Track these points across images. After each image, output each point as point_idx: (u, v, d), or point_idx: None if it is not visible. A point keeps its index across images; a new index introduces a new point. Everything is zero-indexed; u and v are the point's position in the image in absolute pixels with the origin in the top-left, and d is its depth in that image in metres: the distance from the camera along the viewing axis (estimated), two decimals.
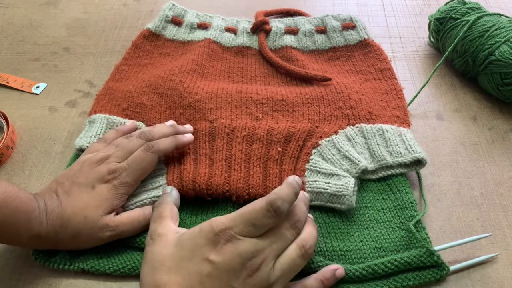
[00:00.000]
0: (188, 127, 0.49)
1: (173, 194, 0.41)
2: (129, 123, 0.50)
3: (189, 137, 0.47)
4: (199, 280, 0.32)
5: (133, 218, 0.41)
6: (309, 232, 0.37)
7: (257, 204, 0.34)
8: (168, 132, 0.46)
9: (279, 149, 0.47)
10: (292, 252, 0.35)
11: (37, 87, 0.59)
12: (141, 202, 0.43)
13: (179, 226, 0.42)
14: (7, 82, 0.59)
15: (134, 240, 0.41)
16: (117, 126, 0.50)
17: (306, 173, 0.45)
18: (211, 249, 0.33)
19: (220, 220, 0.33)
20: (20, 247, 0.41)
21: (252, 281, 0.32)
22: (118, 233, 0.40)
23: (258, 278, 0.32)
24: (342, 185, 0.43)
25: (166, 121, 0.50)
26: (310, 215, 0.39)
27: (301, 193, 0.38)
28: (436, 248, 0.40)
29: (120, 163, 0.42)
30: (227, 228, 0.33)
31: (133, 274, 0.40)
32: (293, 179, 0.36)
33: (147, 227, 0.39)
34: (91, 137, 0.48)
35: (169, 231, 0.36)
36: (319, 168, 0.45)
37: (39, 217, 0.38)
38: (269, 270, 0.33)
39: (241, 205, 0.44)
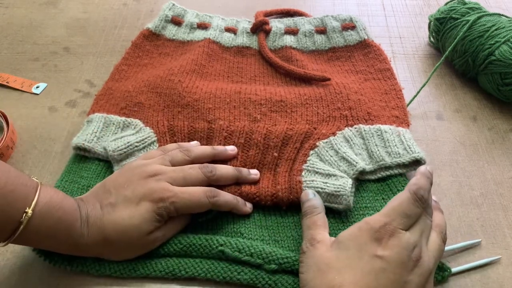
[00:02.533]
0: (254, 172, 0.46)
1: (317, 201, 0.42)
2: (193, 143, 0.48)
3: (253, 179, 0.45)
4: (374, 276, 0.33)
5: (178, 222, 0.41)
6: (440, 217, 0.39)
7: (403, 196, 0.35)
8: (231, 175, 0.44)
9: (275, 154, 0.47)
10: (435, 238, 0.37)
11: (37, 87, 0.59)
12: None
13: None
14: (7, 82, 0.59)
15: None
16: (114, 124, 0.50)
17: (303, 173, 0.45)
18: (377, 245, 0.34)
19: (376, 218, 0.35)
20: (61, 252, 0.40)
21: (419, 271, 0.33)
22: (166, 238, 0.41)
23: (422, 267, 0.34)
24: (340, 185, 0.43)
25: (164, 120, 0.50)
26: (434, 198, 0.41)
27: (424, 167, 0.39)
28: None
29: (172, 185, 0.41)
30: (386, 223, 0.34)
31: (133, 276, 0.40)
32: (425, 168, 0.38)
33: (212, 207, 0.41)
34: (87, 135, 0.48)
35: (325, 237, 0.37)
36: (317, 168, 0.45)
37: (80, 229, 0.37)
38: (428, 259, 0.34)
39: None
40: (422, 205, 0.36)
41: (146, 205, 0.39)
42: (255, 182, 0.45)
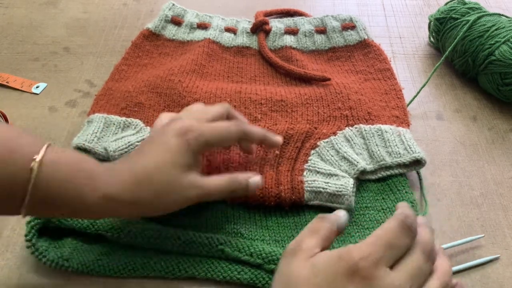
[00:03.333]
0: (278, 139, 0.44)
1: (341, 219, 0.35)
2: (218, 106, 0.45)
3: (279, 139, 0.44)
4: None
5: (218, 181, 0.39)
6: (445, 264, 0.34)
7: (389, 225, 0.31)
8: (260, 132, 0.43)
9: (277, 152, 0.47)
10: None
11: (37, 87, 0.59)
12: None
13: (179, 228, 0.43)
14: (7, 82, 0.59)
15: (134, 241, 0.41)
16: (114, 125, 0.50)
17: (304, 173, 0.45)
18: (351, 280, 0.29)
19: (359, 247, 0.30)
20: (93, 217, 0.37)
21: None
22: (206, 193, 0.38)
23: None
24: (341, 185, 0.43)
25: None
26: (441, 246, 0.37)
27: (422, 218, 0.35)
28: None
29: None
30: (369, 254, 0.30)
31: (133, 276, 0.40)
32: (404, 203, 0.34)
33: (230, 195, 0.39)
34: (88, 135, 0.48)
35: (311, 246, 0.32)
36: (318, 168, 0.45)
37: (104, 174, 0.35)
38: None
39: (239, 206, 0.45)
40: (412, 234, 0.31)
41: (175, 139, 0.37)
42: (278, 144, 0.44)
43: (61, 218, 0.40)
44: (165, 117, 0.43)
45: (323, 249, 0.32)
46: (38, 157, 0.31)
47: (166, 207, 0.37)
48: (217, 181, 0.39)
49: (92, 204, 0.34)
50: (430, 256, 0.32)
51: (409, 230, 0.31)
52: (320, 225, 0.34)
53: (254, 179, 0.40)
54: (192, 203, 0.38)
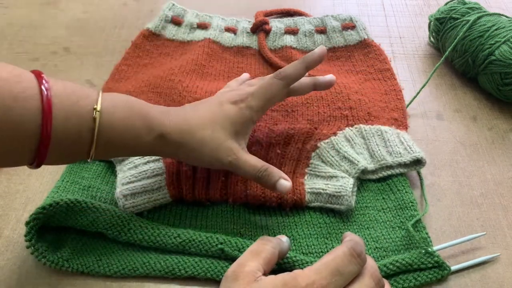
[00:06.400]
0: (330, 76, 0.45)
1: (284, 244, 0.36)
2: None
3: (330, 78, 0.45)
4: None
5: (255, 162, 0.40)
6: None
7: (339, 251, 0.31)
8: (300, 64, 0.43)
9: (278, 151, 0.47)
10: None
11: None
12: (141, 205, 0.43)
13: (180, 227, 0.43)
14: None
15: (134, 238, 0.41)
16: None
17: (306, 177, 0.45)
18: None
19: (306, 273, 0.30)
20: (146, 154, 0.40)
21: None
22: (238, 165, 0.39)
23: None
24: (340, 186, 0.43)
25: None
26: (387, 281, 0.36)
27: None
28: (433, 248, 0.40)
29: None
30: (314, 281, 0.29)
31: (133, 276, 0.40)
32: (349, 233, 0.34)
33: (259, 181, 0.40)
34: None
35: (255, 273, 0.31)
36: (318, 172, 0.45)
37: (160, 116, 0.38)
38: None
39: (239, 206, 0.45)
40: (359, 262, 0.31)
41: (229, 106, 0.41)
42: (322, 55, 0.44)
43: (118, 157, 0.43)
44: (229, 84, 0.48)
45: (264, 273, 0.32)
46: (98, 107, 0.34)
47: (202, 160, 0.40)
48: (253, 161, 0.40)
49: (148, 144, 0.37)
50: (379, 283, 0.32)
51: (359, 258, 0.31)
52: (263, 248, 0.34)
53: (285, 182, 0.39)
54: (223, 167, 0.40)
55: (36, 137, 0.31)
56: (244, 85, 0.45)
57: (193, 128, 0.39)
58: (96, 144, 0.34)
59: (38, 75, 0.32)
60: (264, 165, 0.40)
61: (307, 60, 0.43)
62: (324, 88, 0.46)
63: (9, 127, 0.30)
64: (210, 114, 0.40)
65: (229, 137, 0.40)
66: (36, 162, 0.33)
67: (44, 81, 0.32)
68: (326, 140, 0.48)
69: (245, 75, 0.52)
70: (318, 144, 0.48)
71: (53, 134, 0.32)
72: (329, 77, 0.45)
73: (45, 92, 0.31)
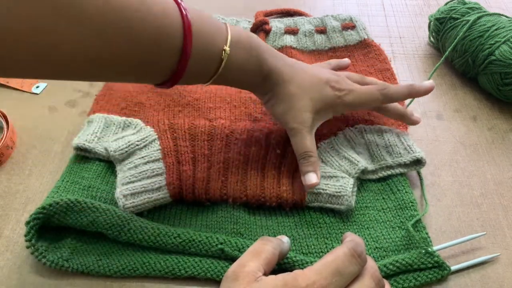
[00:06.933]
0: (429, 83, 0.47)
1: (285, 245, 0.36)
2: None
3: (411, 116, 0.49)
4: None
5: (308, 144, 0.43)
6: None
7: (339, 251, 0.31)
8: (403, 91, 0.46)
9: (278, 151, 0.47)
10: None
11: (37, 87, 0.59)
12: (141, 205, 0.43)
13: (180, 227, 0.43)
14: (7, 82, 0.59)
15: (134, 238, 0.41)
16: (114, 124, 0.50)
17: None
18: None
19: (306, 274, 0.30)
20: (247, 84, 0.43)
21: None
22: (296, 135, 0.43)
23: None
24: (340, 186, 0.43)
25: (165, 119, 0.50)
26: (436, 249, 0.38)
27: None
28: (433, 248, 0.40)
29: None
30: (314, 282, 0.29)
31: (133, 276, 0.40)
32: (350, 233, 0.35)
33: (299, 162, 0.43)
34: (88, 135, 0.48)
35: (255, 273, 0.31)
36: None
37: (269, 55, 0.42)
38: None
39: (239, 206, 0.45)
40: (360, 263, 0.31)
41: (330, 90, 0.44)
42: (429, 91, 0.47)
43: (231, 86, 0.44)
44: (330, 62, 0.52)
45: (265, 273, 0.32)
46: (227, 49, 0.38)
47: (278, 111, 0.44)
48: (308, 143, 0.43)
49: (255, 80, 0.42)
50: (379, 284, 0.32)
51: (359, 258, 0.31)
52: (263, 248, 0.34)
53: (311, 176, 0.43)
54: (285, 127, 0.44)
55: (176, 57, 0.35)
56: (344, 76, 0.47)
57: (292, 83, 0.42)
58: (216, 76, 0.39)
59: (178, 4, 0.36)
60: (310, 152, 0.43)
61: (413, 89, 0.46)
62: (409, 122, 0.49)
63: (158, 42, 0.34)
64: (310, 83, 0.43)
65: (312, 110, 0.43)
66: (171, 80, 0.37)
67: (181, 5, 0.35)
68: (326, 140, 0.48)
69: (346, 60, 0.54)
70: (318, 144, 0.48)
71: (190, 62, 0.36)
72: (429, 85, 0.47)
73: (187, 21, 0.35)
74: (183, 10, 0.35)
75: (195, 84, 0.40)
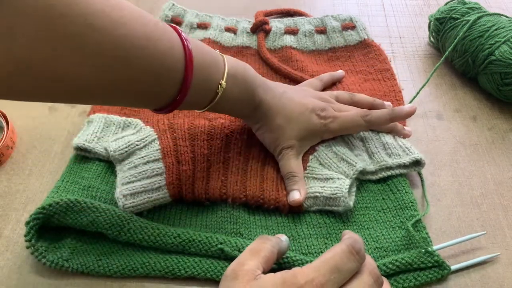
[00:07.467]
0: (408, 107, 0.49)
1: (283, 244, 0.36)
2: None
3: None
4: None
5: (293, 166, 0.45)
6: None
7: (337, 248, 0.32)
8: (385, 115, 0.48)
9: None
10: None
11: None
12: (141, 205, 0.43)
13: (180, 227, 0.43)
14: None
15: (134, 238, 0.41)
16: (114, 124, 0.50)
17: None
18: None
19: (305, 271, 0.30)
20: (238, 113, 0.46)
21: None
22: (283, 159, 0.46)
23: None
24: (336, 187, 0.43)
25: (164, 119, 0.50)
26: (386, 279, 0.37)
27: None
28: (433, 247, 0.40)
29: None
30: (313, 278, 0.30)
31: (133, 276, 0.40)
32: (348, 231, 0.35)
33: (285, 181, 0.45)
34: (88, 135, 0.48)
35: (254, 272, 0.31)
36: (315, 174, 0.45)
37: (262, 95, 0.44)
38: None
39: (239, 207, 0.45)
40: (358, 260, 0.32)
41: (312, 116, 0.46)
42: (409, 115, 0.48)
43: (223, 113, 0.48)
44: (322, 78, 0.55)
45: (264, 272, 0.32)
46: (223, 83, 0.40)
47: (266, 136, 0.46)
48: (292, 165, 0.45)
49: (246, 111, 0.45)
50: (378, 280, 0.32)
51: (357, 255, 0.32)
52: (262, 246, 0.34)
53: (295, 195, 0.44)
54: (273, 153, 0.47)
55: (177, 88, 0.37)
56: (333, 97, 0.50)
57: (279, 115, 0.45)
58: (211, 106, 0.41)
59: (179, 34, 0.37)
60: (294, 172, 0.45)
61: (394, 113, 0.48)
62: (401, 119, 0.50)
63: (161, 75, 0.35)
64: (297, 113, 0.46)
65: (298, 138, 0.46)
66: (169, 107, 0.38)
67: (185, 40, 0.37)
68: (324, 143, 0.48)
69: (340, 73, 0.57)
70: (317, 147, 0.48)
71: (190, 91, 0.37)
72: (409, 109, 0.48)
73: (189, 54, 0.37)
74: (185, 42, 0.36)
75: (190, 110, 0.43)
